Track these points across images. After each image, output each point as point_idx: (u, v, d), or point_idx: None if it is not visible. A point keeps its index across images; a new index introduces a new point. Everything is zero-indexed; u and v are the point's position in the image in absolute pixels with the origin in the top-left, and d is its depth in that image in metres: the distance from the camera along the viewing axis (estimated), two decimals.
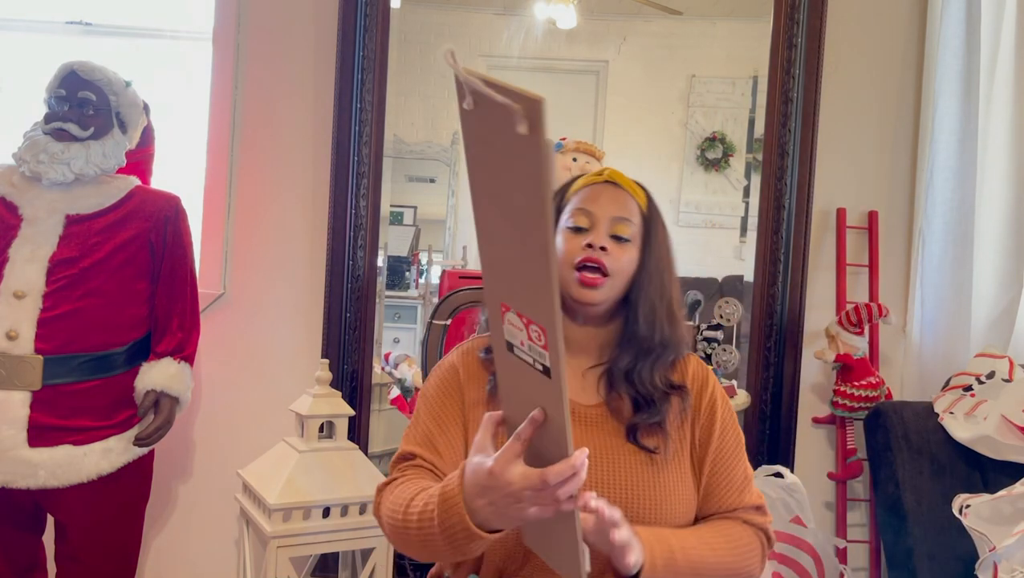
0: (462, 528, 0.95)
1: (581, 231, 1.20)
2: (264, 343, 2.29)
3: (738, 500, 1.23)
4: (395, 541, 1.12)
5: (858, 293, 2.24)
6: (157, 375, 1.84)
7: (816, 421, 2.25)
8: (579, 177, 1.29)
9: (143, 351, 1.88)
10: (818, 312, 2.23)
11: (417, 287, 2.37)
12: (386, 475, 1.20)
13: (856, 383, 2.11)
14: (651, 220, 1.24)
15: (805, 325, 2.20)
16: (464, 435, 1.19)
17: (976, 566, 1.63)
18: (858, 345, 2.12)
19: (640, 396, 1.19)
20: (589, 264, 1.17)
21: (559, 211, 1.25)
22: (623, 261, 1.19)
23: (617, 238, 1.19)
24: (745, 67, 2.29)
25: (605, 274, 1.17)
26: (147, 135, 2.03)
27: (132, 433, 1.83)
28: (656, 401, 1.19)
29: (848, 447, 2.17)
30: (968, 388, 1.97)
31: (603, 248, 1.18)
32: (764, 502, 1.25)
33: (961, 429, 1.91)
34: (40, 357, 1.71)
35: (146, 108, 2.00)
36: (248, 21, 2.29)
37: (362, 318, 2.19)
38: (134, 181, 1.92)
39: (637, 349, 1.20)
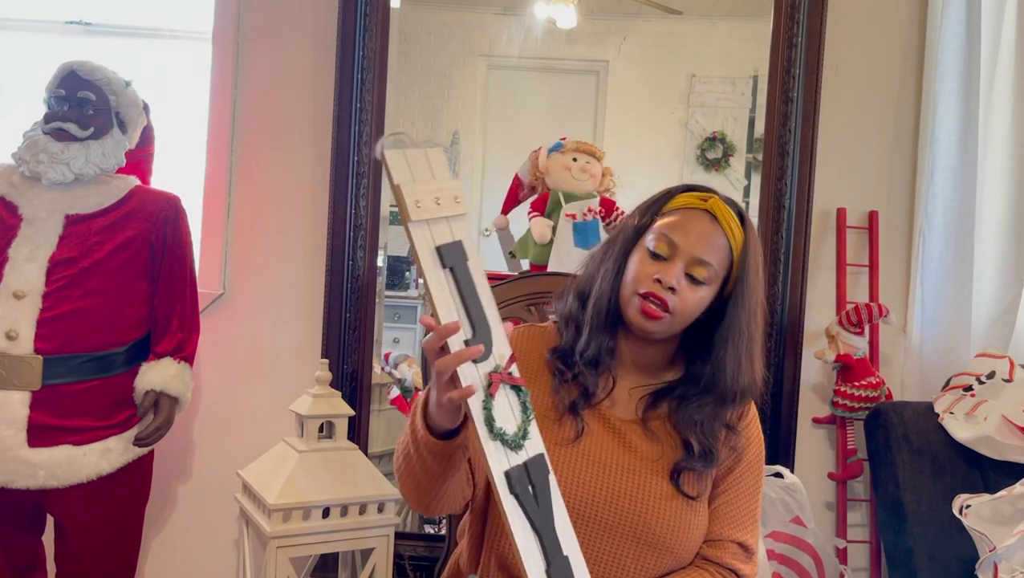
0: (421, 426, 0.99)
1: (658, 258, 1.14)
2: (264, 343, 2.28)
3: (731, 533, 1.18)
4: (402, 484, 1.11)
5: (858, 293, 2.24)
6: (157, 375, 1.84)
7: (816, 421, 2.25)
8: (682, 190, 1.21)
9: (143, 351, 1.88)
10: (818, 312, 2.22)
11: (417, 287, 2.37)
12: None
13: (856, 383, 2.10)
14: (743, 265, 1.15)
15: (805, 325, 2.20)
16: None
17: (976, 566, 1.63)
18: (858, 345, 2.12)
19: (703, 447, 1.15)
20: (652, 298, 1.12)
21: (652, 219, 1.18)
22: (690, 303, 1.13)
23: (691, 278, 1.13)
24: (745, 67, 2.29)
25: (667, 311, 1.12)
26: (147, 135, 2.03)
27: (132, 433, 1.83)
28: (716, 452, 1.16)
29: (848, 447, 2.17)
30: (968, 388, 1.96)
31: (672, 288, 1.12)
32: (756, 547, 1.21)
33: (961, 429, 1.91)
34: (40, 357, 1.71)
35: (146, 108, 2.00)
36: (248, 21, 2.28)
37: (362, 318, 2.19)
38: (134, 181, 1.92)
39: (715, 399, 1.16)
